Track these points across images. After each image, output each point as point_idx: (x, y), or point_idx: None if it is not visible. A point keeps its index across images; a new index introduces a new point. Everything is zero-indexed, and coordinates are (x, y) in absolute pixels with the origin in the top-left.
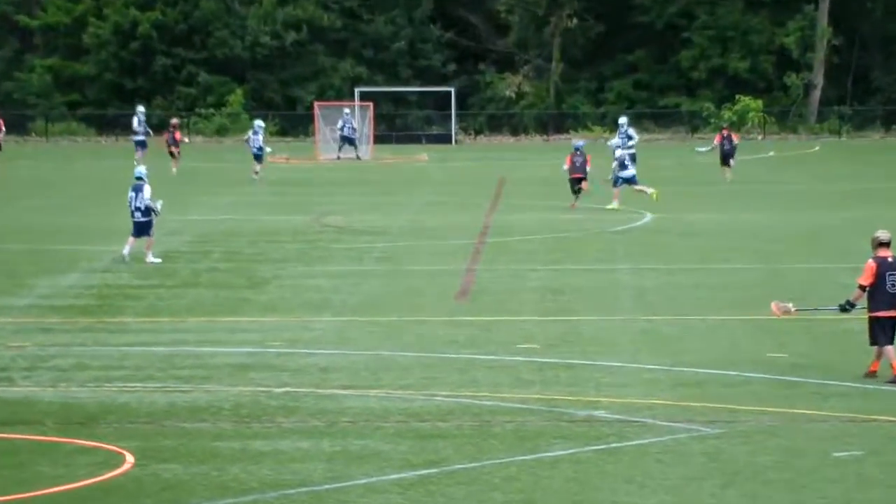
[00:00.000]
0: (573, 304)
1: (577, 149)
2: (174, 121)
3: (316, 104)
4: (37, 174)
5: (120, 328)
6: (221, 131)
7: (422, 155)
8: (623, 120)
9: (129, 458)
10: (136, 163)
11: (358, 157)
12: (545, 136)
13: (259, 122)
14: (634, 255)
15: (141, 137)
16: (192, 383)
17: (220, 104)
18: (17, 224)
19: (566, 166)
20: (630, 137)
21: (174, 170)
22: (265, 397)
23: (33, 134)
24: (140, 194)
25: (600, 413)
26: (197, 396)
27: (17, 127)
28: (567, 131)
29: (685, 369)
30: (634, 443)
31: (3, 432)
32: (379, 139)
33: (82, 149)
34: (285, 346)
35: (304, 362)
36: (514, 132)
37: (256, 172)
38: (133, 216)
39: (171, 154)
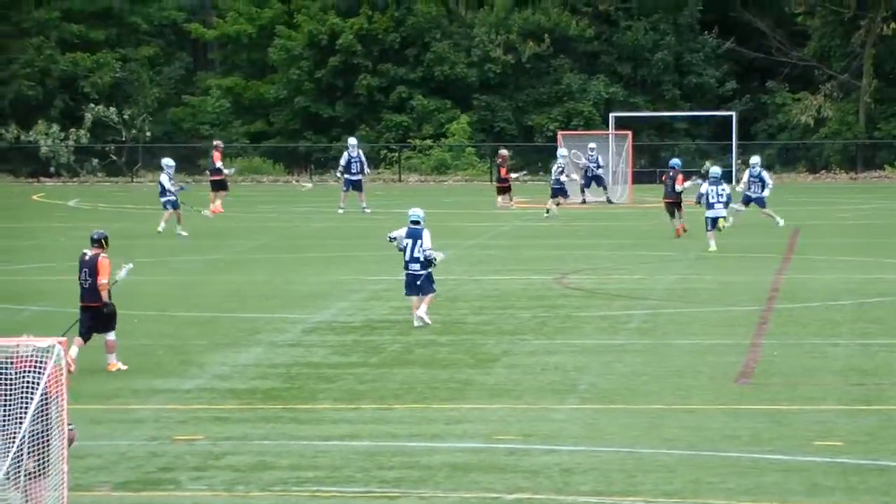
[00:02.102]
0: (887, 389)
1: (673, 167)
2: (503, 153)
3: (560, 134)
4: (209, 223)
5: (312, 417)
6: (441, 168)
7: (693, 198)
8: (755, 160)
9: None
10: (340, 206)
11: (609, 201)
12: (852, 174)
13: (563, 152)
14: None
15: (357, 177)
16: (401, 487)
17: (439, 135)
18: (185, 286)
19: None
20: (763, 182)
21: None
22: None
23: (207, 172)
24: (420, 241)
25: None
26: None
27: (188, 163)
28: (881, 167)
29: None
30: None
31: None
32: (638, 177)
33: (267, 191)
34: (518, 441)
35: (542, 461)
36: (813, 168)
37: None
38: (408, 268)
39: (502, 190)
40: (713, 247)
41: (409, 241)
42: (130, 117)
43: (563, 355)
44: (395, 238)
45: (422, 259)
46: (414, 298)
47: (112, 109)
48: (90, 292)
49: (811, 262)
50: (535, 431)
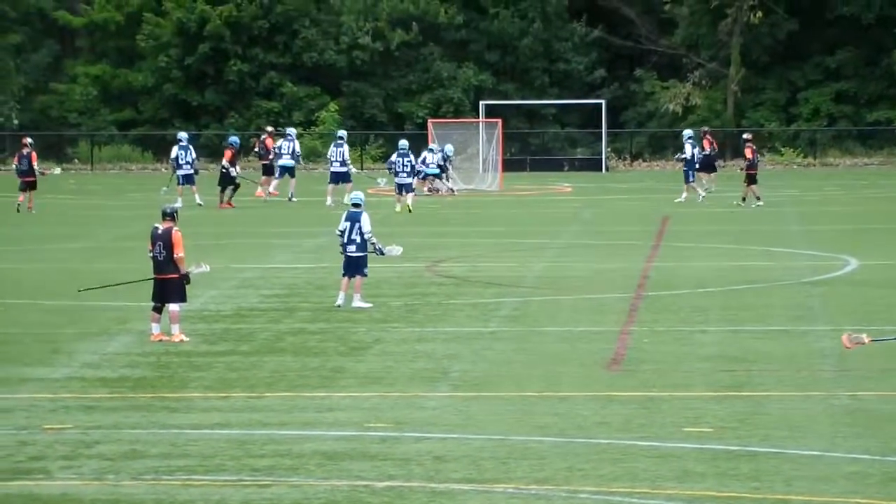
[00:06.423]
0: (756, 375)
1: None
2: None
3: (430, 122)
4: (79, 211)
5: (183, 406)
6: (311, 155)
7: (563, 185)
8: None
9: None
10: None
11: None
12: (720, 162)
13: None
14: (835, 314)
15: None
16: (273, 475)
17: (309, 122)
18: (54, 274)
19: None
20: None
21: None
22: (365, 494)
23: (76, 161)
24: (358, 224)
25: None
26: (279, 492)
27: (56, 152)
28: None
29: None
30: None
31: None
32: (509, 165)
33: (136, 179)
34: (390, 429)
35: (413, 449)
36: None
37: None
38: (345, 250)
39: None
40: (398, 208)
41: (348, 224)
42: None
43: (435, 343)
44: (343, 230)
45: (358, 241)
46: (345, 280)
47: None
48: (164, 264)
49: (680, 249)
50: (406, 419)
